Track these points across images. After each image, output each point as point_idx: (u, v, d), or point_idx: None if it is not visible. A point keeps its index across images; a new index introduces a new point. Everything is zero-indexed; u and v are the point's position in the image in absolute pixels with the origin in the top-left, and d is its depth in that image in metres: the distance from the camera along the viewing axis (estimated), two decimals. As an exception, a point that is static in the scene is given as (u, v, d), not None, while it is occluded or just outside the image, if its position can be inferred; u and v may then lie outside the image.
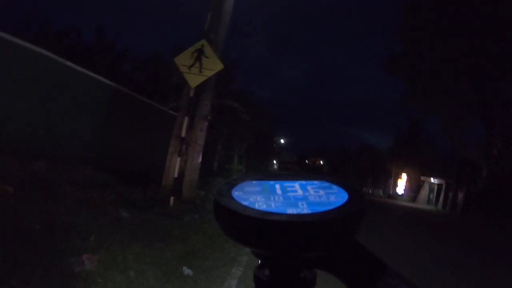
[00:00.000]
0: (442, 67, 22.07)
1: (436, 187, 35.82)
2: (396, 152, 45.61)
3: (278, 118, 35.86)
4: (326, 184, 0.42)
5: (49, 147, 7.03)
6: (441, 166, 33.60)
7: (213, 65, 6.68)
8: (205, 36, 6.89)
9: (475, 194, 23.99)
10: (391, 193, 48.52)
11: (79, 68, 7.85)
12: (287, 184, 0.42)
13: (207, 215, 6.44)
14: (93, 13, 44.91)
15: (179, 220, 5.98)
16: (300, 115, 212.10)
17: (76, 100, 7.86)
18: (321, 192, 0.39)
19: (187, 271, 3.80)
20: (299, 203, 0.36)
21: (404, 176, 47.54)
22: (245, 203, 0.36)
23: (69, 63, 7.52)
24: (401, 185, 48.30)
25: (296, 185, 0.42)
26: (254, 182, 0.42)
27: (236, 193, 0.39)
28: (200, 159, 7.40)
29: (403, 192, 47.55)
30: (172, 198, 6.60)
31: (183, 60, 6.61)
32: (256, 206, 0.35)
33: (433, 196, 36.22)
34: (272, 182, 0.42)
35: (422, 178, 39.06)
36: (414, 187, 43.82)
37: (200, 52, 6.62)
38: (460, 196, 26.89)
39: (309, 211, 0.34)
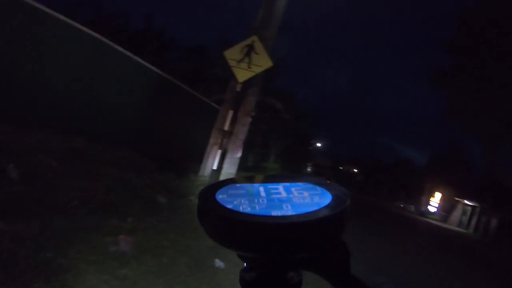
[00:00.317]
0: (489, 87, 20.91)
1: (469, 210, 34.89)
2: (432, 170, 43.92)
3: (318, 122, 35.31)
4: (310, 185, 0.41)
5: (90, 125, 7.18)
6: (477, 189, 32.33)
7: (262, 62, 6.62)
8: (255, 33, 6.79)
9: (510, 222, 22.88)
10: (422, 210, 46.37)
11: (127, 52, 7.96)
12: (271, 186, 0.41)
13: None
14: (143, 0, 46.35)
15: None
16: (338, 121, 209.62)
17: (121, 83, 7.99)
18: (305, 193, 0.39)
19: (219, 263, 3.76)
20: (284, 205, 0.36)
21: (437, 194, 45.57)
22: (229, 206, 0.35)
23: (118, 47, 7.64)
24: (434, 203, 46.19)
25: (280, 187, 0.41)
26: (238, 185, 0.42)
27: (220, 196, 0.38)
28: (240, 154, 7.32)
29: (435, 210, 45.37)
30: (209, 189, 6.52)
31: (232, 54, 6.58)
32: (241, 209, 0.34)
33: (465, 219, 35.52)
34: (256, 185, 0.42)
35: (456, 199, 37.79)
36: (447, 207, 42.07)
37: (250, 48, 6.60)
38: (494, 222, 25.75)
39: (294, 213, 0.34)
